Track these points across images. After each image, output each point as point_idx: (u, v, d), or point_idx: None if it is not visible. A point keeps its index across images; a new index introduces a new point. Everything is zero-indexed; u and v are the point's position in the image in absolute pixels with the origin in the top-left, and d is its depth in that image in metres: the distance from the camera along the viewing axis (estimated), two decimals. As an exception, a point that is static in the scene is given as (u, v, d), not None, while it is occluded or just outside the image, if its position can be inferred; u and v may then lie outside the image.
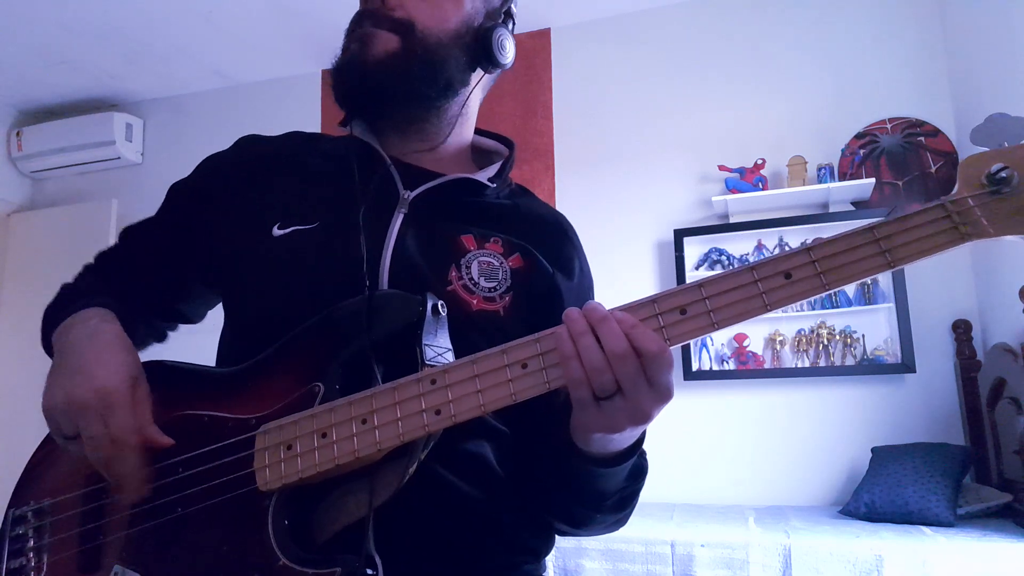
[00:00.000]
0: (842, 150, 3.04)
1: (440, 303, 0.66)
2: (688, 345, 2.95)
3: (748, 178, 3.02)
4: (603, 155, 3.38)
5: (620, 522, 0.76)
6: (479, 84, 0.85)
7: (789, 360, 2.97)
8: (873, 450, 2.65)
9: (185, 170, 0.88)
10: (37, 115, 4.20)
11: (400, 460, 0.62)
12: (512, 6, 0.85)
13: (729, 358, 3.04)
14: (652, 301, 0.59)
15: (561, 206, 3.31)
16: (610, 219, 3.27)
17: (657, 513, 2.58)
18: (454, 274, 0.73)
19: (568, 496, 0.71)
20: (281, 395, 0.66)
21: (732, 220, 3.11)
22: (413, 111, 0.81)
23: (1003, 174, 0.54)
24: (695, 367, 3.05)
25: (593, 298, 0.85)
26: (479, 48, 0.81)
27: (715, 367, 3.05)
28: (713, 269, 3.09)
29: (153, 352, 0.83)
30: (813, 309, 2.95)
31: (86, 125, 3.99)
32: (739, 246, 3.10)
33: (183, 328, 0.94)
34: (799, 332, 2.97)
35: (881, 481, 2.45)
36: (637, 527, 2.32)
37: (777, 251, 3.00)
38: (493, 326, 0.72)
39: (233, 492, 0.64)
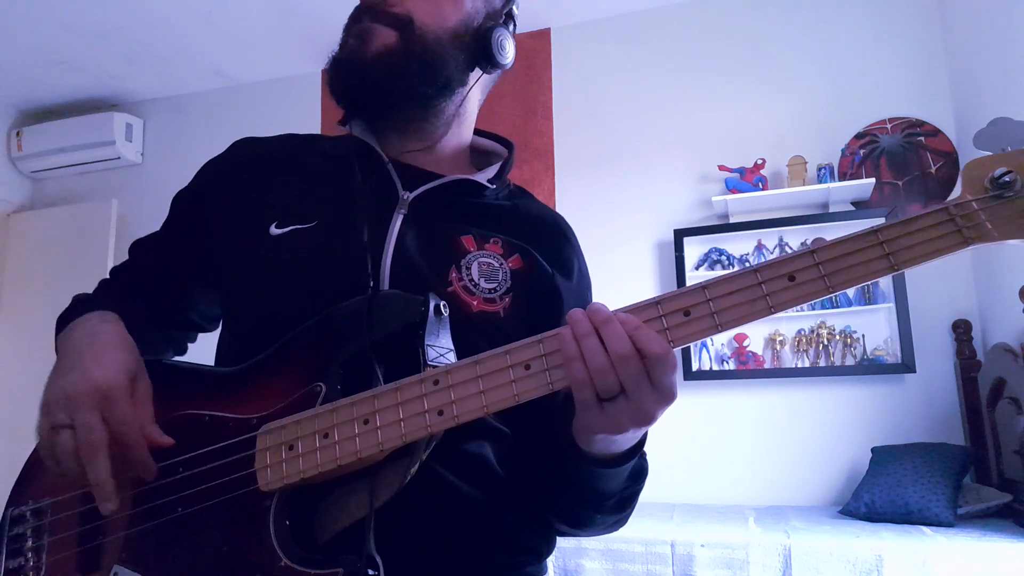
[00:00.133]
0: (842, 150, 3.03)
1: (442, 303, 0.66)
2: (688, 345, 2.92)
3: (748, 178, 3.02)
4: (603, 155, 3.38)
5: (620, 522, 0.76)
6: (478, 84, 0.85)
7: (789, 360, 2.97)
8: (873, 450, 2.65)
9: (185, 170, 0.88)
10: (37, 115, 4.20)
11: (402, 460, 0.62)
12: (514, 8, 0.85)
13: (729, 358, 3.04)
14: (656, 303, 0.59)
15: (561, 206, 3.31)
16: (610, 219, 3.27)
17: (657, 513, 2.58)
18: (454, 275, 0.73)
19: (569, 496, 0.71)
20: (282, 395, 0.66)
21: (732, 220, 3.11)
22: (411, 110, 0.81)
23: (1007, 178, 0.55)
24: (695, 367, 3.05)
25: (591, 299, 0.85)
26: (478, 48, 0.80)
27: (715, 367, 3.05)
28: (713, 269, 3.09)
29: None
30: (813, 309, 2.94)
31: (86, 125, 3.99)
32: (739, 246, 3.10)
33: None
34: (799, 332, 2.97)
35: (881, 481, 2.45)
36: (637, 527, 2.32)
37: (777, 251, 3.01)
38: (493, 327, 0.72)
39: (234, 492, 0.64)
